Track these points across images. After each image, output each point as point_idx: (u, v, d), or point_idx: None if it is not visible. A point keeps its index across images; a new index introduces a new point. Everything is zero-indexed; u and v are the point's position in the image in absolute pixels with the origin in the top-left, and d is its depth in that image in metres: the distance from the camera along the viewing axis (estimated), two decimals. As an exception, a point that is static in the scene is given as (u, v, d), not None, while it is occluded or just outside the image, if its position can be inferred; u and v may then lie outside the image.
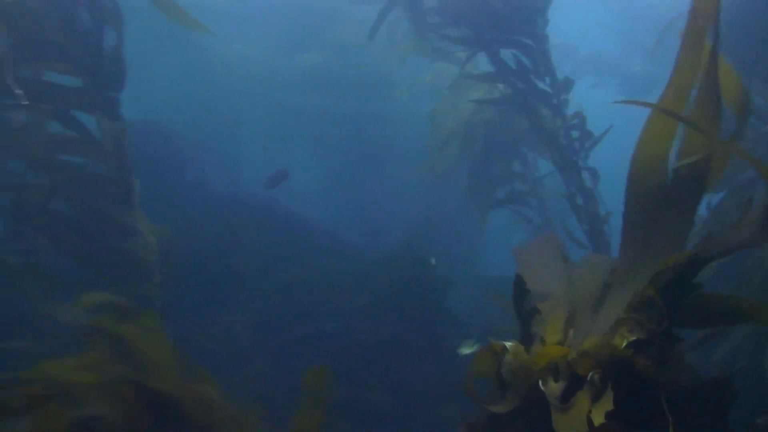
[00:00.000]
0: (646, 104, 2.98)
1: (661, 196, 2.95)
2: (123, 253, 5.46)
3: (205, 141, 14.36)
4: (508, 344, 3.02)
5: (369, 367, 7.51)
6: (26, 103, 5.09)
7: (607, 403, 2.53)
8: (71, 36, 5.35)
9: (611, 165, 7.23)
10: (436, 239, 12.43)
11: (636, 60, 18.84)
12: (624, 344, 2.68)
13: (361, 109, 15.90)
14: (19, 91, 5.01)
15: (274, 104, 17.58)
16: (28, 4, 5.23)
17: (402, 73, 14.50)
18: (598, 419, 2.51)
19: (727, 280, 5.21)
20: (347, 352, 7.71)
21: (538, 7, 6.48)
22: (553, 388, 2.74)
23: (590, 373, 2.64)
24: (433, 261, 9.13)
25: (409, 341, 7.96)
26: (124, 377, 3.64)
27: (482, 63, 11.43)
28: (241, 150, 18.25)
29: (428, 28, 8.88)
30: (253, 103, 17.69)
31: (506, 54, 7.81)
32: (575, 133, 6.66)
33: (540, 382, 2.78)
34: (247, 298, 8.72)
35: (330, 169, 17.59)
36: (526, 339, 3.19)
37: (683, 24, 3.01)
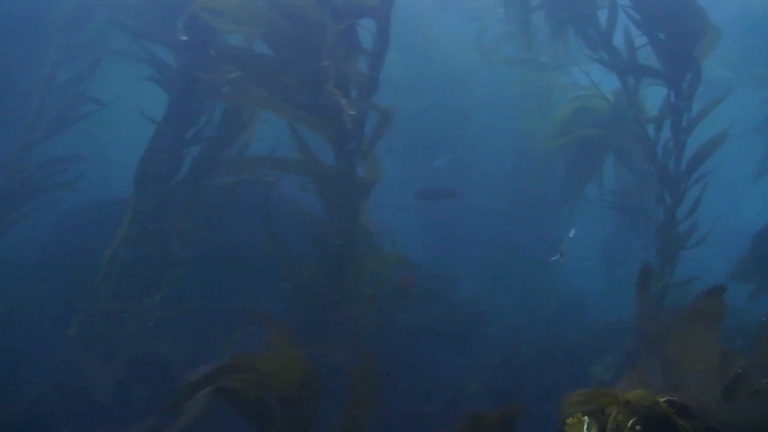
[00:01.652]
0: None
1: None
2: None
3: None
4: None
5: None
6: (352, 112, 5.80)
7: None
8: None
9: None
10: (518, 244, 12.59)
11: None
12: (663, 400, 2.86)
13: (438, 111, 15.93)
14: (351, 113, 5.71)
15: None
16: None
17: (483, 76, 14.59)
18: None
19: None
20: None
21: (695, 57, 6.67)
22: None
23: (630, 421, 2.84)
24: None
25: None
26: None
27: (573, 73, 11.57)
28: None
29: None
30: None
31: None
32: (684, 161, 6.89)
33: (584, 427, 3.03)
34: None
35: (406, 171, 17.50)
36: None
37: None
